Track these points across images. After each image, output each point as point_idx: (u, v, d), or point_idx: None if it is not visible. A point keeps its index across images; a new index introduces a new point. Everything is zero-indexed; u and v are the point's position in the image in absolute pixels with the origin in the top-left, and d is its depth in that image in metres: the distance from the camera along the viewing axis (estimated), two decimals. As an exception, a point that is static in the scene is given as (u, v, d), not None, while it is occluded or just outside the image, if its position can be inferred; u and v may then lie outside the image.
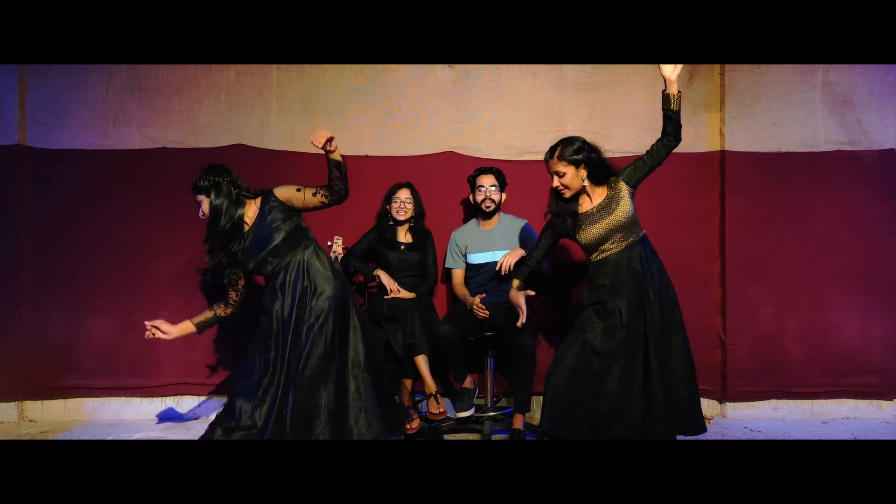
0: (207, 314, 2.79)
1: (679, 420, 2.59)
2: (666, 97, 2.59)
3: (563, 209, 2.71)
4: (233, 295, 2.76)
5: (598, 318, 2.61)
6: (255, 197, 2.68)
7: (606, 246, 2.66)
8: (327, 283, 2.61)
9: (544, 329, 3.78)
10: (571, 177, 2.64)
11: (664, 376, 2.55)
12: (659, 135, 2.63)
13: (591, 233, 2.66)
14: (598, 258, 2.70)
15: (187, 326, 2.76)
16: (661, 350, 2.58)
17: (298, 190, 2.64)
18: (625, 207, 2.64)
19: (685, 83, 3.90)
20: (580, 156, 2.63)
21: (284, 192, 2.64)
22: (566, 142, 2.67)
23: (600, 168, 2.67)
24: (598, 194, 2.69)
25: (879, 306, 3.81)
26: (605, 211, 2.64)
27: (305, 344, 2.52)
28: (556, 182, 2.67)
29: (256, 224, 2.63)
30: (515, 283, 2.87)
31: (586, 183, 2.67)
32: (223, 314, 2.79)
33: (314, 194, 2.63)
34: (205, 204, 2.60)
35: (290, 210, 2.65)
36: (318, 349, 2.52)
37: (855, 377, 3.79)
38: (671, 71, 2.56)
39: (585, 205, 2.71)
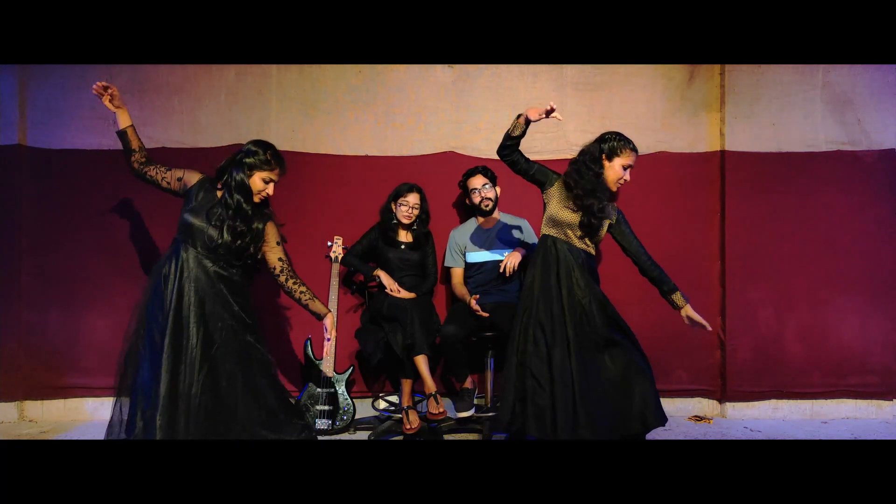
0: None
1: (642, 415, 2.58)
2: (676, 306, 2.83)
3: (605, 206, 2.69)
4: (143, 166, 2.77)
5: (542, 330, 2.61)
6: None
7: (570, 234, 2.68)
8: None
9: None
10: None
11: (614, 376, 2.59)
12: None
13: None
14: (554, 234, 2.70)
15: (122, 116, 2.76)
16: (609, 348, 2.61)
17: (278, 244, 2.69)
18: (603, 231, 2.73)
19: (685, 83, 3.90)
20: None
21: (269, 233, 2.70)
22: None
23: None
24: None
25: (879, 306, 3.81)
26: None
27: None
28: (627, 176, 2.69)
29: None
30: None
31: None
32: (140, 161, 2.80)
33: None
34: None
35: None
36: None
37: (855, 377, 3.79)
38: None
39: None
